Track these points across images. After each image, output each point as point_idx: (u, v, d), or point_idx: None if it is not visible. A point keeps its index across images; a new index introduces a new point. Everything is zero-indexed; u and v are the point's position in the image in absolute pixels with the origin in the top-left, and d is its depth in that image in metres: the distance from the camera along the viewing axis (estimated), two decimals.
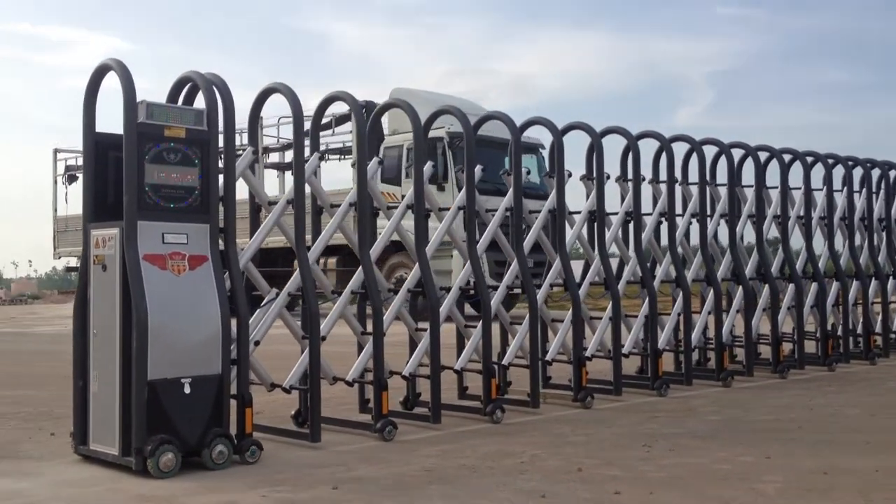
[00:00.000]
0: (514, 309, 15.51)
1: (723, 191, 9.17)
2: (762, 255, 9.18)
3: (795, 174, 9.83)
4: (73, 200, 24.53)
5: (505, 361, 6.97)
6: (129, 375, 4.88)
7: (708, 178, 8.98)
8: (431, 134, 17.61)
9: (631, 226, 8.10)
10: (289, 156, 21.51)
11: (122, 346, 4.94)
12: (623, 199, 8.21)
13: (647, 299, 7.84)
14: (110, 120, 5.25)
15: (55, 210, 25.23)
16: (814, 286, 9.73)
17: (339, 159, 22.15)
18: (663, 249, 8.53)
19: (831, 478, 4.74)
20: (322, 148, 21.59)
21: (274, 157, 22.95)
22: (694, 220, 8.73)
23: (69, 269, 27.02)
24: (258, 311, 5.82)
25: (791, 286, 9.42)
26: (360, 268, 6.03)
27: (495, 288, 6.99)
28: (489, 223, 7.17)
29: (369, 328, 6.08)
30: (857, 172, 10.74)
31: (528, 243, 7.33)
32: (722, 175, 9.29)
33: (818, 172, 10.11)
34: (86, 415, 5.20)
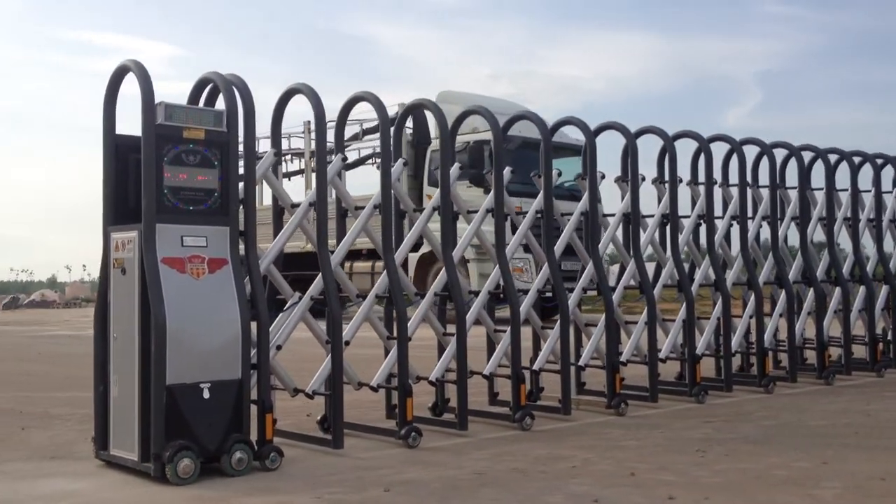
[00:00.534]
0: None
1: (765, 192, 8.96)
2: (806, 259, 8.95)
3: (843, 175, 9.62)
4: None
5: (536, 367, 6.82)
6: (148, 380, 4.82)
7: (749, 179, 8.80)
8: (479, 137, 17.87)
9: (668, 229, 7.94)
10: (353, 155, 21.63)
11: (140, 351, 4.88)
12: (660, 202, 8.06)
13: (685, 304, 7.65)
14: (136, 122, 5.21)
15: None
16: (861, 289, 9.45)
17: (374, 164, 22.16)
18: (702, 252, 8.34)
19: (889, 483, 4.62)
20: (368, 152, 22.03)
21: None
22: (734, 223, 8.53)
23: None
24: (280, 315, 5.74)
25: (837, 290, 9.16)
26: (385, 271, 5.92)
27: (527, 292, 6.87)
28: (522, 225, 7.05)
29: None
30: None
31: (559, 246, 7.19)
32: (764, 176, 9.12)
33: (867, 174, 9.86)
34: (106, 420, 5.16)
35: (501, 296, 6.66)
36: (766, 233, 8.93)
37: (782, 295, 8.56)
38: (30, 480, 4.98)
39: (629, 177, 7.64)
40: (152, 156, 4.90)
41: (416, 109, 7.09)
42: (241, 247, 5.22)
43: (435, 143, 18.76)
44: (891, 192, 10.21)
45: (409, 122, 19.01)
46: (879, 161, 9.99)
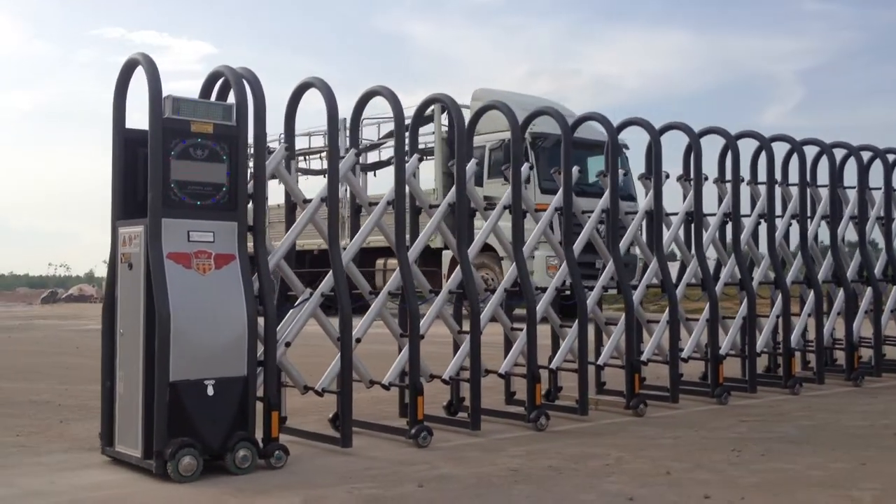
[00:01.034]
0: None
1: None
2: (836, 258, 8.77)
3: (876, 173, 9.40)
4: None
5: (553, 365, 6.70)
6: (153, 376, 4.77)
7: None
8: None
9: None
10: (385, 154, 21.50)
11: (145, 347, 4.83)
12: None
13: (709, 303, 7.49)
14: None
15: None
16: (894, 290, 9.23)
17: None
18: (728, 251, 8.20)
19: None
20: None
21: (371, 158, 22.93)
22: (762, 221, 8.37)
23: None
24: (291, 311, 5.68)
25: (868, 290, 8.94)
26: (398, 269, 5.84)
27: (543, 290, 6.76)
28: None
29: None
30: None
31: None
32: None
33: None
34: (112, 416, 5.12)
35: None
36: (795, 232, 8.78)
37: (811, 295, 8.36)
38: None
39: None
40: (159, 150, 4.84)
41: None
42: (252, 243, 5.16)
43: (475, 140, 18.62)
44: None
45: (445, 119, 18.92)
46: None
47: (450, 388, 6.49)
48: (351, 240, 6.03)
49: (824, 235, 9.01)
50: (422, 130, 20.91)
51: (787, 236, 8.68)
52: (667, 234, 7.51)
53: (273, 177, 5.65)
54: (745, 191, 8.23)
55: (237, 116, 5.10)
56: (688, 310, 8.29)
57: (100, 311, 5.33)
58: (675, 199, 7.89)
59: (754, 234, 8.33)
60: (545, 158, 17.20)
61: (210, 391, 4.83)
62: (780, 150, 8.70)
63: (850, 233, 9.24)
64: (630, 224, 7.37)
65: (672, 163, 7.99)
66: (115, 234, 5.13)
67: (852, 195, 9.19)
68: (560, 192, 6.75)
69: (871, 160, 9.38)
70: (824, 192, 8.93)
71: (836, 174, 8.95)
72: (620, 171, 7.12)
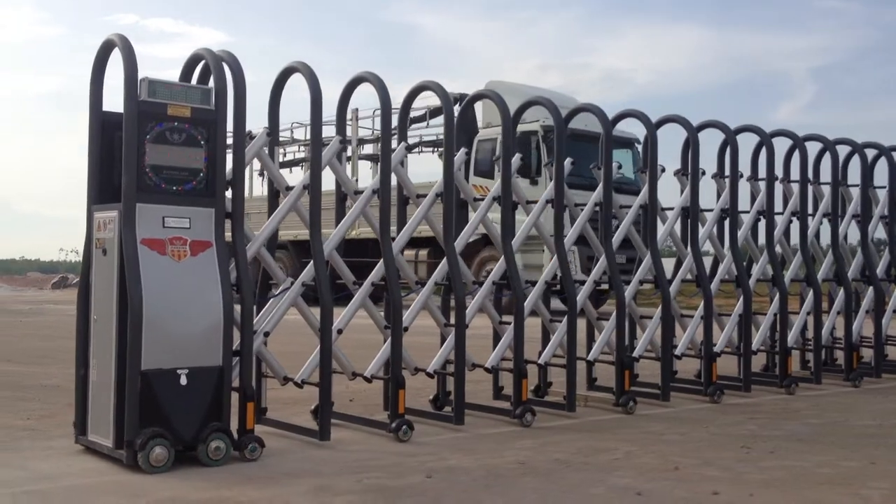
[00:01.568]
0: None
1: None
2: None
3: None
4: None
5: (542, 360, 6.58)
6: (125, 364, 4.66)
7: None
8: (525, 127, 17.65)
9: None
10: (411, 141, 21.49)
11: (118, 334, 4.73)
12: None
13: (704, 301, 7.35)
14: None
15: None
16: None
17: (433, 151, 22.11)
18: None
19: None
20: (413, 140, 21.83)
21: (368, 149, 22.92)
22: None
23: None
24: (271, 300, 5.57)
25: (870, 289, 8.79)
26: (382, 260, 5.72)
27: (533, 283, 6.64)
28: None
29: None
30: None
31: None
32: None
33: None
34: (85, 404, 5.03)
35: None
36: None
37: (810, 293, 8.22)
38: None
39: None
40: (134, 133, 4.73)
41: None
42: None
43: (481, 133, 18.53)
44: None
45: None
46: None
47: (436, 381, 6.38)
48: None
49: (826, 234, 8.88)
50: (433, 122, 21.26)
51: (787, 234, 8.53)
52: (662, 230, 7.39)
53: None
54: (744, 187, 8.10)
55: (216, 100, 4.98)
56: (683, 306, 8.17)
57: None
58: (672, 194, 7.79)
59: (753, 232, 8.19)
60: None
61: (183, 381, 4.73)
62: (782, 146, 8.56)
63: (851, 233, 9.10)
64: (623, 218, 7.25)
65: (673, 159, 7.91)
66: (90, 219, 5.02)
67: (856, 193, 9.04)
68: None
69: (876, 158, 9.23)
70: (826, 190, 8.78)
71: (840, 171, 8.79)
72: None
